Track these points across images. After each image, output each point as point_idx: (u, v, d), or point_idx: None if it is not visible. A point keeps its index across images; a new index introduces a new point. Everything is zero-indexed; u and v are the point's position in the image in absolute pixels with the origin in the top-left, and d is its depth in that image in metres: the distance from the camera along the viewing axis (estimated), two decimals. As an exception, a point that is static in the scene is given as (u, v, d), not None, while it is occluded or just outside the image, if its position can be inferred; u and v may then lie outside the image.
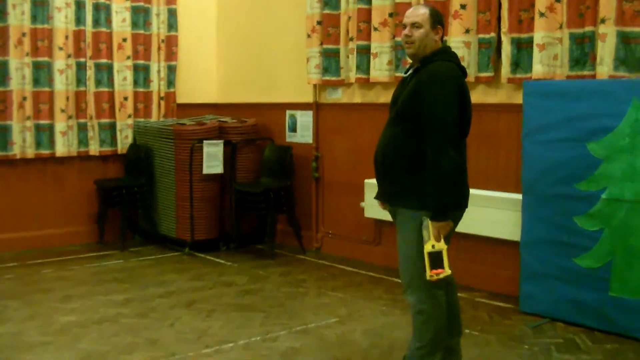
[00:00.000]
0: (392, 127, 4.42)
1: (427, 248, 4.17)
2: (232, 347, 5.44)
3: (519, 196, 6.26)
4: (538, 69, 6.26)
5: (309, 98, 8.71)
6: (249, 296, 6.80)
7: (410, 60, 4.57)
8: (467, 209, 4.48)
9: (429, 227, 4.18)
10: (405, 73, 4.56)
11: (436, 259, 4.14)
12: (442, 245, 4.16)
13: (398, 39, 7.40)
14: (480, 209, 6.43)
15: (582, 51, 6.08)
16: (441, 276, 4.15)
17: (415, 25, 4.37)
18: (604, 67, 5.84)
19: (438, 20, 4.43)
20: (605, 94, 5.61)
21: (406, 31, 4.40)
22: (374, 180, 7.37)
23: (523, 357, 5.22)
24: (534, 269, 6.09)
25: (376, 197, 4.70)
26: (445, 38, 6.32)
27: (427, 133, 4.18)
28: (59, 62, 8.79)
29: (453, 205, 4.24)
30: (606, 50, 5.82)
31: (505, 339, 5.59)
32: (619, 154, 5.50)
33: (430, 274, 4.16)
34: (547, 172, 5.95)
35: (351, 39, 7.98)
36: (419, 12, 4.40)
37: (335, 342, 5.56)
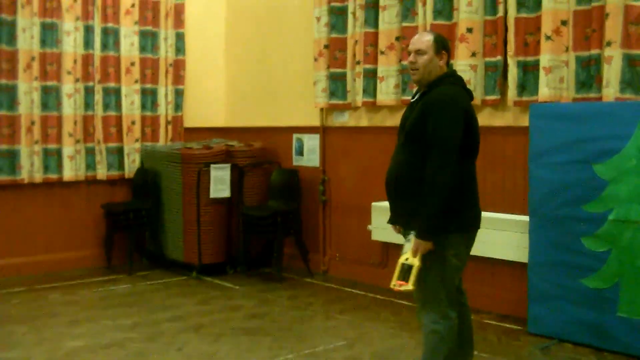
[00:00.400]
0: (402, 151, 4.47)
1: (402, 259, 4.28)
2: (240, 370, 5.45)
3: (526, 218, 6.26)
4: (544, 92, 6.28)
5: (316, 122, 8.73)
6: (257, 320, 6.79)
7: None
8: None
9: (411, 241, 4.25)
10: (413, 97, 4.61)
11: (405, 272, 4.23)
12: (415, 262, 4.23)
13: (405, 62, 7.43)
14: (487, 231, 6.40)
15: (588, 74, 6.10)
16: (402, 289, 4.24)
17: (419, 52, 4.43)
18: (610, 89, 5.85)
19: (443, 46, 4.48)
20: (611, 116, 5.62)
21: (411, 58, 4.48)
22: (380, 203, 7.46)
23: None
24: (541, 290, 6.07)
25: (389, 222, 4.72)
26: (451, 61, 6.34)
27: (430, 153, 4.23)
28: (68, 86, 8.84)
29: (438, 228, 4.25)
30: (612, 73, 5.83)
31: (513, 362, 5.58)
32: (626, 176, 5.50)
33: (394, 283, 4.27)
34: (554, 194, 5.96)
35: (358, 63, 8.01)
36: (424, 39, 4.47)
37: (343, 366, 5.55)
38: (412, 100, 4.59)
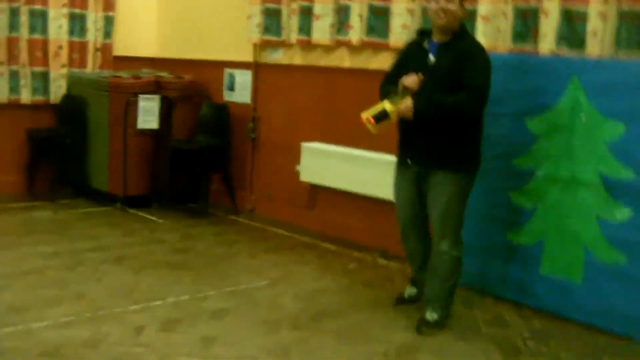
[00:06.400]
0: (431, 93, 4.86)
1: (389, 107, 4.77)
2: (160, 304, 5.40)
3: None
4: (481, 41, 6.23)
5: (248, 57, 8.59)
6: (180, 254, 6.75)
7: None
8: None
9: (406, 100, 4.76)
10: (421, 43, 5.08)
11: (381, 117, 4.79)
12: (394, 116, 4.80)
13: (342, 1, 7.33)
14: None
15: (526, 25, 6.09)
16: (369, 126, 4.83)
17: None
18: (547, 43, 5.85)
19: None
20: (546, 71, 5.62)
21: (442, 3, 4.81)
22: (310, 144, 7.43)
23: (452, 330, 5.23)
24: (467, 242, 6.08)
25: (410, 159, 5.13)
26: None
27: (468, 92, 4.82)
28: (-8, 6, 8.53)
29: (427, 111, 4.81)
30: (549, 26, 5.83)
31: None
32: (557, 132, 5.50)
33: (367, 116, 4.82)
34: (486, 146, 5.94)
35: (294, -1, 7.87)
36: None
37: (265, 305, 5.54)
38: (424, 46, 5.04)
